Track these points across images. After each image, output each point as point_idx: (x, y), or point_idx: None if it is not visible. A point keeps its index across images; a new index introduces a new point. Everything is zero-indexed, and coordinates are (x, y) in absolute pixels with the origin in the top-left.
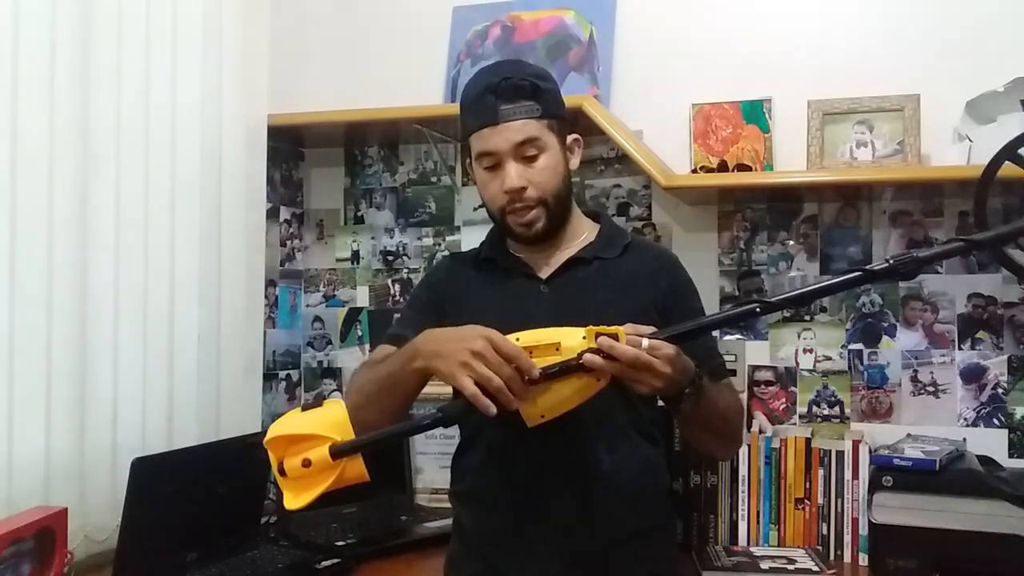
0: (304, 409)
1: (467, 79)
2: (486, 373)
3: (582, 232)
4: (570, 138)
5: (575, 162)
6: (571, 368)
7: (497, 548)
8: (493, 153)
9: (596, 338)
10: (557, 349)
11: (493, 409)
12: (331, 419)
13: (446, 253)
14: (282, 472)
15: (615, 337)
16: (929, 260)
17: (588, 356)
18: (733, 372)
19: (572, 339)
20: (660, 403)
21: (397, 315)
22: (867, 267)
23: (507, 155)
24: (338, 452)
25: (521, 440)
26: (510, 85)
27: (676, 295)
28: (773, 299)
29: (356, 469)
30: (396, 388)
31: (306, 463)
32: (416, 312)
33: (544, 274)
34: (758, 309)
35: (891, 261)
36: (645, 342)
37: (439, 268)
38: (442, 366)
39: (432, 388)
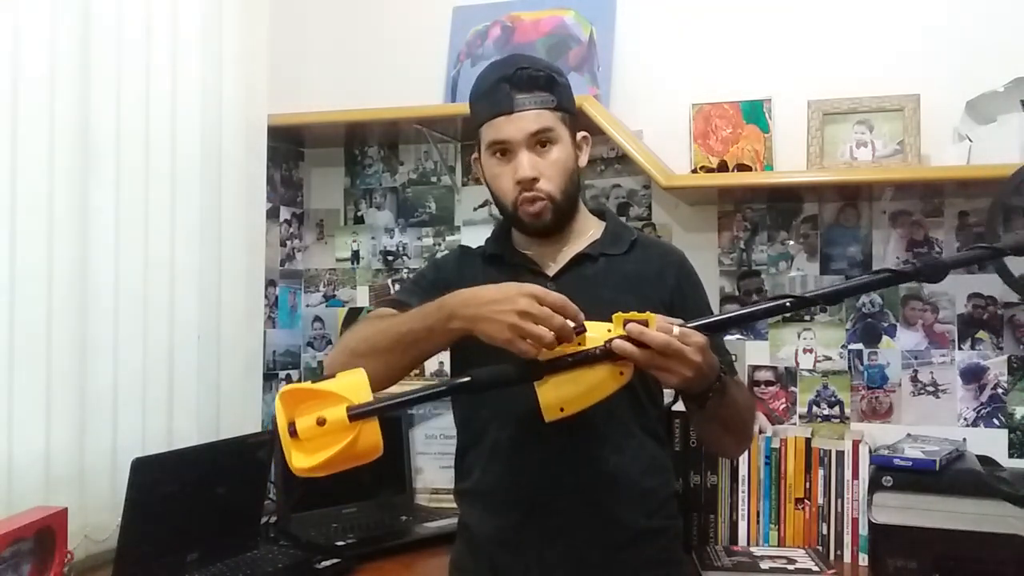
0: (313, 382)
1: (467, 79)
2: (537, 332)
3: (588, 229)
4: (579, 135)
5: (583, 159)
6: (597, 356)
7: (502, 548)
8: (506, 142)
9: (624, 325)
10: (581, 342)
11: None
12: (350, 382)
13: (446, 253)
14: (293, 432)
15: (645, 323)
16: (955, 265)
17: (618, 342)
18: (734, 372)
19: (597, 331)
20: (664, 403)
21: (399, 284)
22: (896, 269)
23: (520, 145)
24: (357, 414)
25: (526, 438)
26: (526, 75)
27: (685, 292)
28: (806, 295)
29: (371, 436)
30: (416, 345)
31: (320, 421)
32: (421, 288)
33: (551, 271)
34: (788, 303)
35: (918, 264)
36: (676, 329)
37: (449, 256)
38: (490, 330)
39: (422, 384)
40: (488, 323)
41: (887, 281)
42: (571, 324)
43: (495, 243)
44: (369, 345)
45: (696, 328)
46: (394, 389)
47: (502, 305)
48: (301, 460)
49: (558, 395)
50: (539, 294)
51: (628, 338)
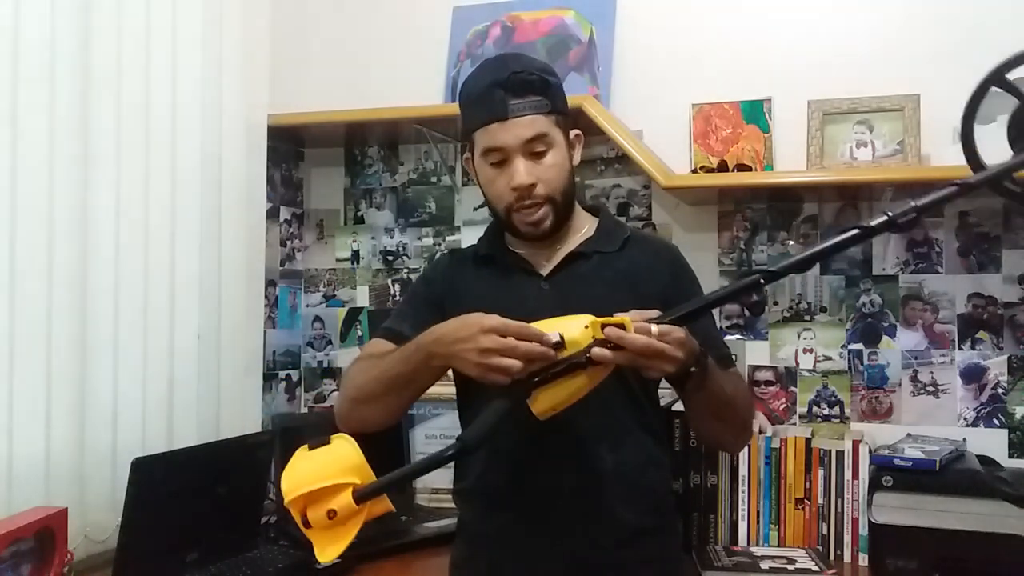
0: (311, 448)
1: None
2: (504, 364)
3: (582, 227)
4: (572, 134)
5: (577, 158)
6: (579, 364)
7: (501, 548)
8: (501, 149)
9: (602, 329)
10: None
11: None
12: (346, 462)
13: (436, 261)
14: (307, 524)
15: (621, 327)
16: (927, 208)
17: (597, 351)
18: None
19: (575, 330)
20: (663, 403)
21: (394, 309)
22: (864, 224)
23: (516, 151)
24: (362, 497)
25: (524, 438)
26: (519, 79)
27: (679, 287)
28: (775, 268)
29: (381, 506)
30: (409, 386)
31: (331, 514)
32: (413, 308)
33: (544, 271)
34: (762, 280)
35: (889, 214)
36: (654, 328)
37: (438, 265)
38: (462, 367)
39: (433, 388)
40: (459, 361)
41: (857, 238)
42: (540, 347)
43: (488, 243)
44: (366, 393)
45: (673, 320)
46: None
47: (466, 344)
48: (324, 553)
49: (549, 403)
50: (498, 328)
51: (607, 342)
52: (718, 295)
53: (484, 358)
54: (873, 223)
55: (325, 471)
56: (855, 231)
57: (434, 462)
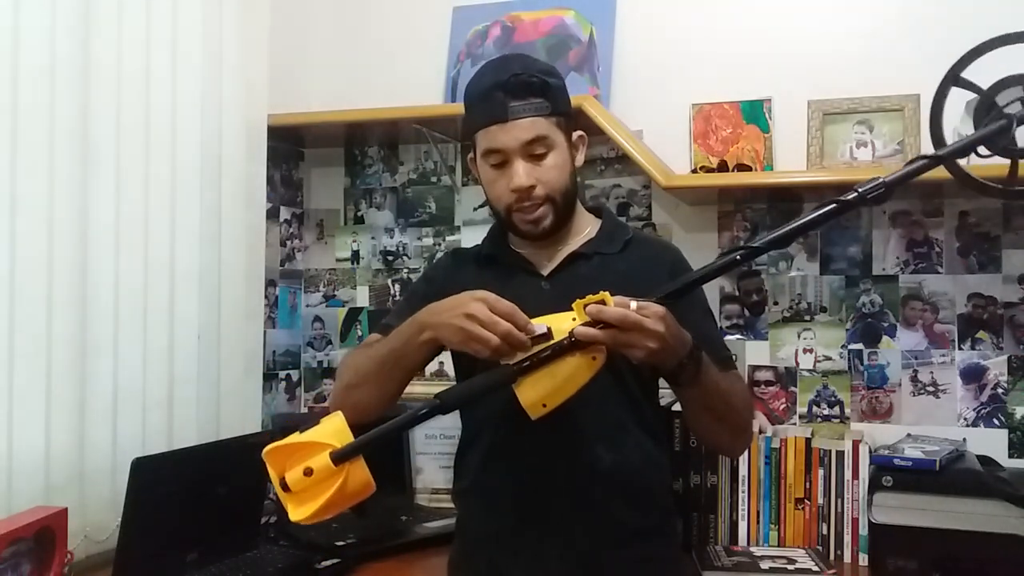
0: (302, 432)
1: (467, 79)
2: (483, 335)
3: (584, 228)
4: (575, 135)
5: (580, 159)
6: (565, 348)
7: (499, 548)
8: (501, 151)
9: (584, 308)
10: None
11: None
12: (329, 427)
13: (437, 261)
14: (284, 487)
15: (602, 303)
16: (896, 183)
17: (579, 329)
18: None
19: (563, 322)
20: (663, 403)
21: (392, 306)
22: (840, 198)
23: (515, 153)
24: (339, 456)
25: (523, 438)
26: (520, 82)
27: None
28: (755, 243)
29: (360, 476)
30: (400, 363)
31: (307, 472)
32: (412, 307)
33: (545, 271)
34: (738, 256)
35: (859, 190)
36: (633, 303)
37: (440, 264)
38: (447, 334)
39: (422, 388)
40: (445, 328)
41: (835, 212)
42: (520, 334)
43: (490, 243)
44: (360, 376)
45: (657, 300)
46: None
47: (455, 310)
48: (297, 512)
49: (536, 392)
50: (489, 300)
51: (589, 322)
52: (699, 274)
53: (467, 323)
54: (847, 197)
55: (308, 435)
56: (832, 205)
57: (409, 420)
